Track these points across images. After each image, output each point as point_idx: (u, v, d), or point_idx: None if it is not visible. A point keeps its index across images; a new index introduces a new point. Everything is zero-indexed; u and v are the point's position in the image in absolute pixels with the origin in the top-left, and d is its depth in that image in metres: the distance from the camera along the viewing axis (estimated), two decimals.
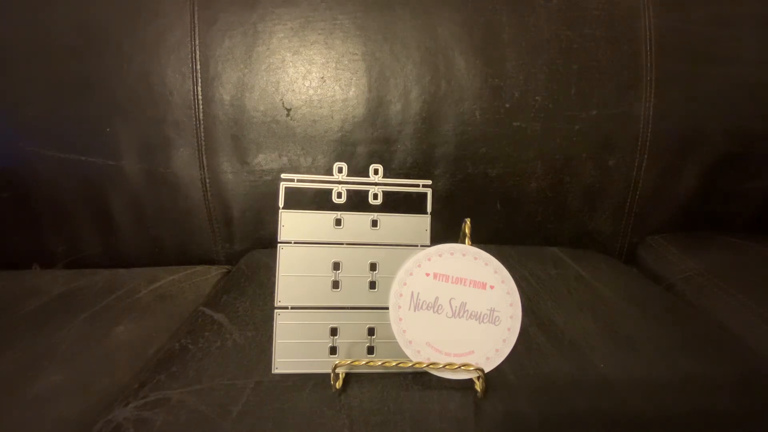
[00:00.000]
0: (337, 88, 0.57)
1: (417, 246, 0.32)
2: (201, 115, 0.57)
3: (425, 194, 0.33)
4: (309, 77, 0.57)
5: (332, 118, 0.57)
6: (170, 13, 0.56)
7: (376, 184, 0.33)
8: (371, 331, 0.32)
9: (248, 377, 0.33)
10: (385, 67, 0.56)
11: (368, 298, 0.32)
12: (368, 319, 0.32)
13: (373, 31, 0.56)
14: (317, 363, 0.32)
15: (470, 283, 0.31)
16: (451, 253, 0.31)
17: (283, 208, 0.32)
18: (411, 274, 0.31)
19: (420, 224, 0.33)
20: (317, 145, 0.57)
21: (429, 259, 0.31)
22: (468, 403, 0.31)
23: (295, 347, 0.32)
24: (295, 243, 0.32)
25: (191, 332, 0.40)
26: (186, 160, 0.58)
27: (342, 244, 0.32)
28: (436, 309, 0.31)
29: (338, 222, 0.32)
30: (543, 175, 0.58)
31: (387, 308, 0.31)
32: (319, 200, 0.33)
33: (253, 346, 0.37)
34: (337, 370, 0.31)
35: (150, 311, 0.47)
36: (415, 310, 0.31)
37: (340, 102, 0.57)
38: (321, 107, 0.57)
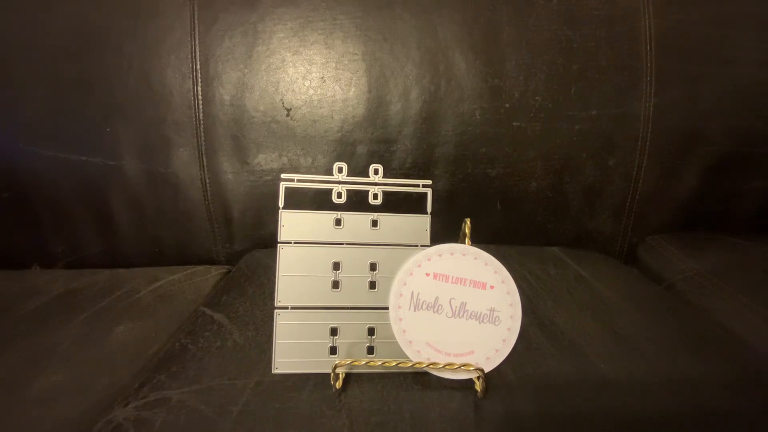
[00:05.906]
0: (337, 88, 0.57)
1: (417, 246, 0.32)
2: (201, 115, 0.57)
3: (425, 194, 0.33)
4: (309, 77, 0.57)
5: (332, 118, 0.57)
6: (170, 13, 0.56)
7: (376, 184, 0.33)
8: (371, 331, 0.32)
9: (248, 377, 0.33)
10: (385, 67, 0.56)
11: (368, 298, 0.32)
12: (368, 319, 0.32)
13: (373, 31, 0.56)
14: (317, 363, 0.32)
15: (470, 283, 0.31)
16: (451, 253, 0.31)
17: (283, 208, 0.32)
18: (411, 274, 0.31)
19: (420, 224, 0.33)
20: (317, 145, 0.57)
21: (429, 259, 0.31)
22: (468, 403, 0.31)
23: (295, 347, 0.32)
24: (295, 243, 0.32)
25: (191, 332, 0.40)
26: (186, 160, 0.58)
27: (342, 244, 0.32)
28: (436, 309, 0.31)
29: (338, 222, 0.32)
30: (543, 175, 0.58)
31: (387, 308, 0.31)
32: (319, 200, 0.33)
33: (253, 346, 0.37)
34: (337, 370, 0.31)
35: (150, 311, 0.47)
36: (415, 310, 0.31)
37: (340, 102, 0.57)
38: (321, 107, 0.57)
